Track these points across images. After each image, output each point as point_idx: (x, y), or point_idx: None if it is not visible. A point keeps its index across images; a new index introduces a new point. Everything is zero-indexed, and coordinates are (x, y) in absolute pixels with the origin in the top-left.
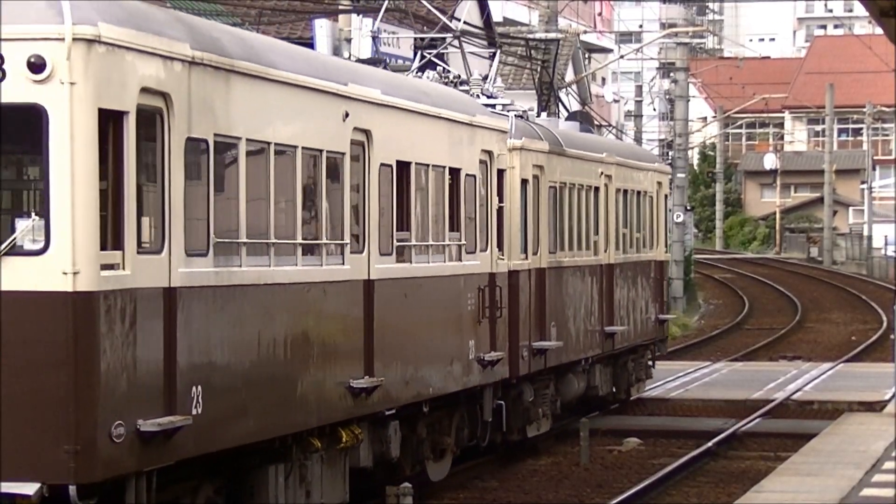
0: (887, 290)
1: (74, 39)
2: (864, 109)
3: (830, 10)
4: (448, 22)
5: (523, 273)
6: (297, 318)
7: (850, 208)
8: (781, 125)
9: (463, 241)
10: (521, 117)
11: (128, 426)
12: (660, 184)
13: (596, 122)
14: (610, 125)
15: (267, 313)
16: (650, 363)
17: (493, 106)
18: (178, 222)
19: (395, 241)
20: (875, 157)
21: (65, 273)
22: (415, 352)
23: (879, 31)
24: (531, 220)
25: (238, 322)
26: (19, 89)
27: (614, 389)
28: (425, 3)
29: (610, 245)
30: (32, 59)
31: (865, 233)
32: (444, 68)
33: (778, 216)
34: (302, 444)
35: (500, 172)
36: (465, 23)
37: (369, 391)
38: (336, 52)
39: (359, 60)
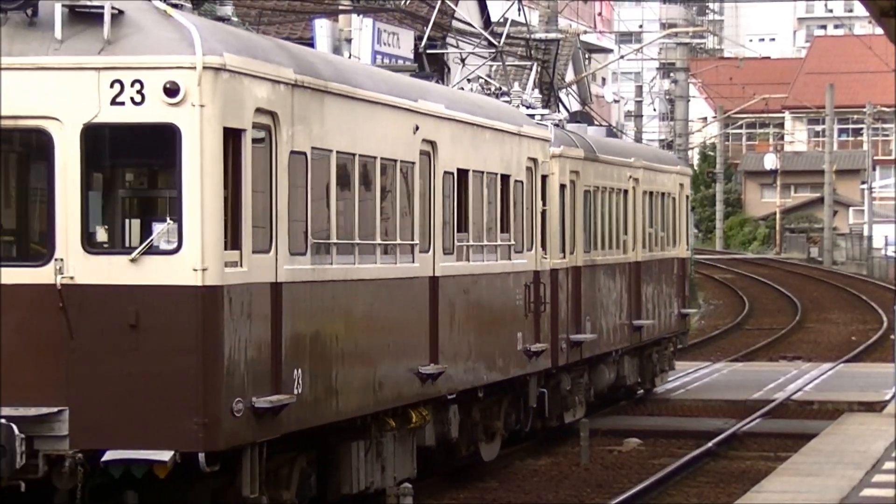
0: (887, 290)
1: (204, 68)
2: (864, 109)
3: (830, 10)
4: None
5: (562, 271)
6: (376, 310)
7: (851, 208)
8: (781, 125)
9: (512, 242)
10: (558, 126)
11: (245, 403)
12: (682, 185)
13: (596, 123)
14: (610, 125)
15: (352, 306)
16: (673, 355)
17: (533, 116)
18: (283, 226)
19: (455, 241)
20: (875, 157)
21: (195, 270)
22: (472, 342)
23: (879, 31)
24: (568, 222)
25: (329, 313)
26: (156, 111)
27: (640, 380)
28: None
29: (637, 244)
30: (168, 85)
31: (865, 233)
32: (485, 80)
33: (778, 216)
34: (379, 423)
35: (543, 178)
36: (464, 23)
37: (434, 377)
38: (336, 52)
39: (413, 75)
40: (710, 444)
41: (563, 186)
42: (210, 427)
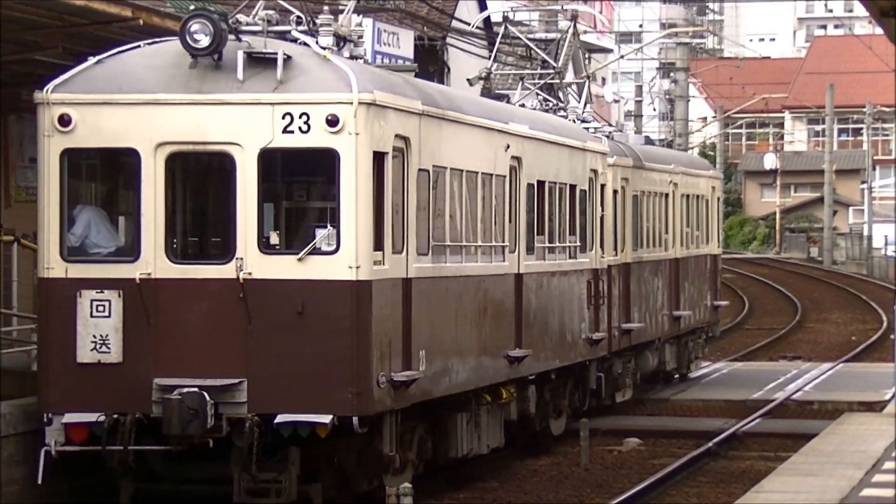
0: (887, 290)
1: (359, 103)
2: (864, 109)
3: (830, 10)
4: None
5: (615, 267)
6: (477, 301)
7: (850, 208)
8: (781, 125)
9: (578, 243)
10: (609, 137)
11: (386, 376)
12: (713, 188)
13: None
14: (610, 125)
15: (460, 298)
16: (705, 343)
17: (587, 128)
18: (412, 231)
19: (535, 243)
20: (875, 157)
21: (350, 267)
22: (548, 330)
23: (879, 31)
24: (619, 223)
25: (444, 303)
26: (320, 138)
27: (677, 366)
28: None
29: (676, 242)
30: (329, 117)
31: (865, 233)
32: (543, 97)
33: (778, 216)
34: (478, 398)
35: (601, 186)
36: (465, 23)
37: (519, 360)
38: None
39: (489, 96)
40: (710, 444)
41: (615, 192)
42: (362, 396)
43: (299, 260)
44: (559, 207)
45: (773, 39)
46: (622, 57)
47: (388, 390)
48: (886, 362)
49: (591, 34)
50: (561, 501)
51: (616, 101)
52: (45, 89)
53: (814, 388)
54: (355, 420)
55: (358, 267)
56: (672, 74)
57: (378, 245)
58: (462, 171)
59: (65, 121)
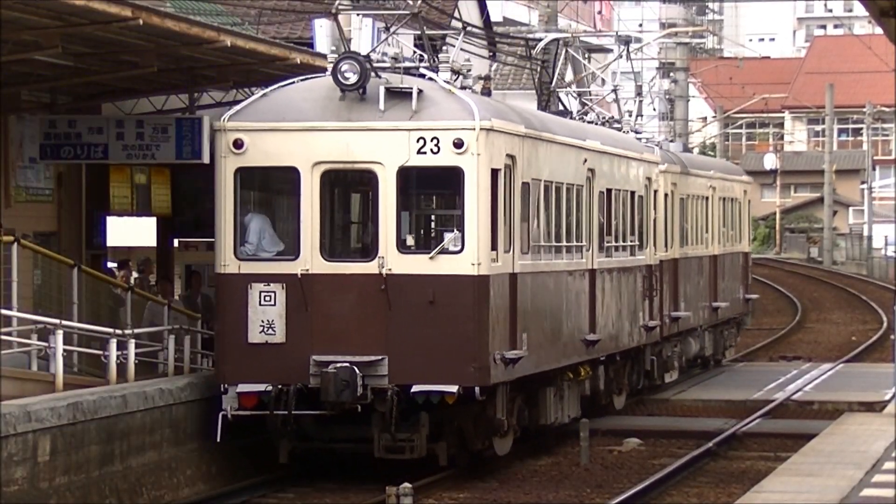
0: (887, 290)
1: (480, 129)
2: (864, 109)
3: (830, 10)
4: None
5: (665, 262)
6: (562, 292)
7: (850, 208)
8: (781, 125)
9: (636, 241)
10: (660, 146)
11: (499, 354)
12: (745, 192)
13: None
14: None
15: (550, 289)
16: (738, 333)
17: (640, 139)
18: (517, 233)
19: (605, 242)
20: (875, 157)
21: (472, 264)
22: (614, 318)
23: (879, 31)
24: (669, 224)
25: (538, 295)
26: (447, 158)
27: (713, 352)
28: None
29: (715, 240)
30: (456, 141)
31: (865, 233)
32: (599, 113)
33: (778, 216)
34: (562, 374)
35: (654, 191)
36: (465, 23)
37: (594, 343)
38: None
39: (554, 112)
40: (710, 444)
41: (665, 196)
42: (482, 370)
43: (431, 258)
44: (622, 211)
45: (773, 39)
46: (622, 56)
47: (501, 366)
48: (886, 362)
49: (591, 34)
50: (561, 501)
51: (616, 102)
52: (223, 118)
53: (814, 388)
54: (477, 390)
55: (479, 264)
56: (672, 74)
57: (493, 246)
58: (552, 182)
59: (238, 144)
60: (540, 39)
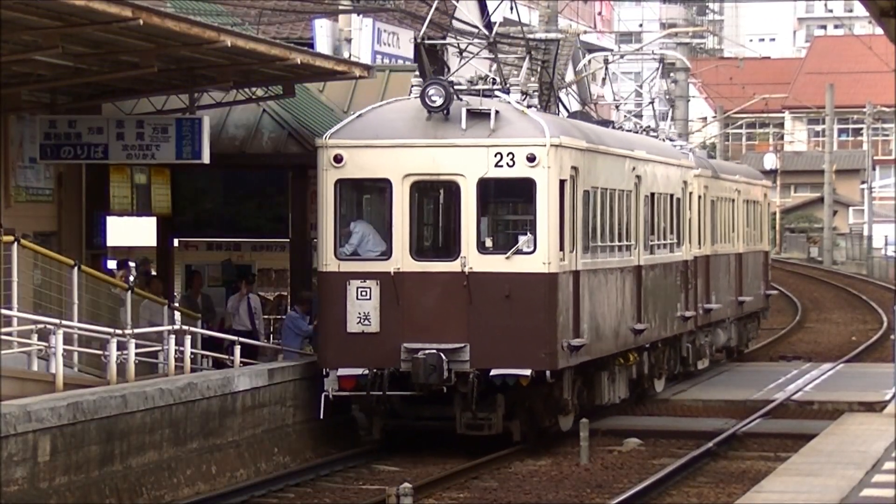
0: (887, 290)
1: (550, 145)
2: (864, 109)
3: (830, 10)
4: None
5: (699, 259)
6: (615, 287)
7: (850, 208)
8: (781, 125)
9: (675, 240)
10: (693, 152)
11: (566, 342)
12: (766, 195)
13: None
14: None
15: (606, 284)
16: (758, 325)
17: (674, 146)
18: (579, 235)
19: (648, 241)
20: (875, 157)
21: (543, 263)
22: (657, 309)
23: (879, 31)
24: (702, 223)
25: (596, 289)
26: (522, 170)
27: (737, 343)
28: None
29: (740, 240)
30: (529, 155)
31: (865, 233)
32: (636, 123)
33: (778, 216)
34: (614, 360)
35: (689, 194)
36: (465, 23)
37: (640, 332)
38: (336, 51)
39: (598, 122)
40: (710, 444)
41: (699, 198)
42: (552, 356)
43: (507, 258)
44: (663, 212)
45: (773, 39)
46: (622, 57)
47: (566, 353)
48: (886, 362)
49: (592, 34)
50: (561, 501)
51: (653, 112)
52: (324, 136)
53: (814, 388)
54: (547, 373)
55: (549, 263)
56: (672, 74)
57: (560, 246)
58: (607, 188)
59: (338, 159)
60: (540, 39)
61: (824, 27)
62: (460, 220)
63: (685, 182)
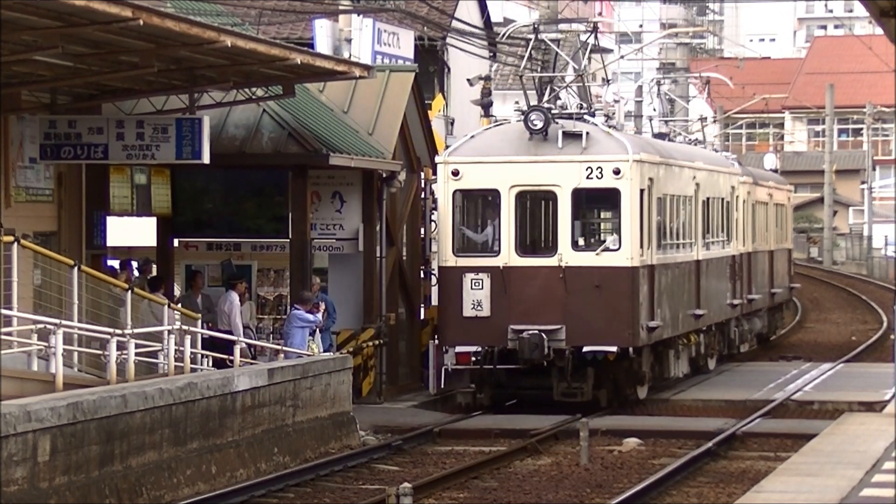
0: (887, 290)
1: (633, 161)
2: (864, 109)
3: (830, 11)
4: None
5: (742, 255)
6: (680, 278)
7: (850, 208)
8: (781, 125)
9: (725, 238)
10: (739, 162)
11: (644, 323)
12: (789, 198)
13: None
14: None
15: (674, 276)
16: (782, 316)
17: (724, 155)
18: (654, 234)
19: (706, 239)
20: (875, 157)
21: (627, 259)
22: (712, 297)
23: (879, 31)
24: (746, 224)
25: (667, 279)
26: (609, 182)
27: (768, 330)
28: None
29: (771, 238)
30: (615, 169)
31: (865, 233)
32: (685, 136)
33: None
34: (679, 340)
35: (736, 198)
36: (465, 23)
37: (699, 317)
38: (336, 51)
39: (658, 136)
40: (710, 444)
41: (742, 201)
42: (634, 335)
43: (597, 254)
44: (716, 214)
45: (773, 39)
46: (622, 57)
47: (645, 333)
48: (886, 362)
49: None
50: (561, 501)
51: (616, 102)
52: (444, 154)
53: (814, 388)
54: (630, 350)
55: (632, 258)
56: (672, 74)
57: (640, 244)
58: (674, 195)
59: (455, 173)
60: (540, 40)
61: (824, 27)
62: (557, 222)
63: (733, 187)
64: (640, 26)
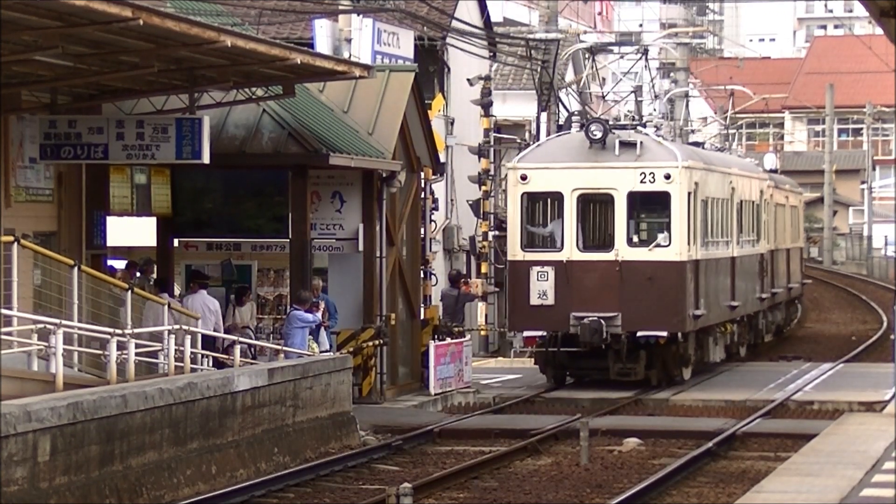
0: (887, 290)
1: (682, 167)
2: (864, 109)
3: (830, 11)
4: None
5: (767, 252)
6: (721, 273)
7: (850, 208)
8: (781, 125)
9: (755, 237)
10: (761, 167)
11: (691, 312)
12: (801, 201)
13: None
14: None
15: (714, 270)
16: (796, 309)
17: (753, 163)
18: (699, 233)
19: (740, 238)
20: (875, 157)
21: (676, 254)
22: (745, 290)
23: (879, 31)
24: (770, 224)
25: (709, 273)
26: (660, 186)
27: (785, 322)
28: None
29: (787, 237)
30: (666, 174)
31: (865, 233)
32: (713, 145)
33: None
34: (717, 328)
35: (764, 201)
36: (465, 23)
37: (734, 307)
38: (336, 51)
39: (693, 144)
40: (710, 444)
41: (767, 203)
42: (682, 321)
43: (649, 250)
44: (748, 215)
45: (773, 39)
46: (622, 57)
47: (691, 320)
48: (886, 362)
49: (592, 34)
50: (561, 501)
51: (616, 102)
52: (513, 161)
53: (814, 388)
54: (679, 335)
55: (680, 253)
56: (672, 74)
57: (687, 242)
58: (714, 198)
59: (523, 177)
60: (540, 40)
61: (824, 27)
62: (614, 221)
63: (761, 191)
64: (640, 26)
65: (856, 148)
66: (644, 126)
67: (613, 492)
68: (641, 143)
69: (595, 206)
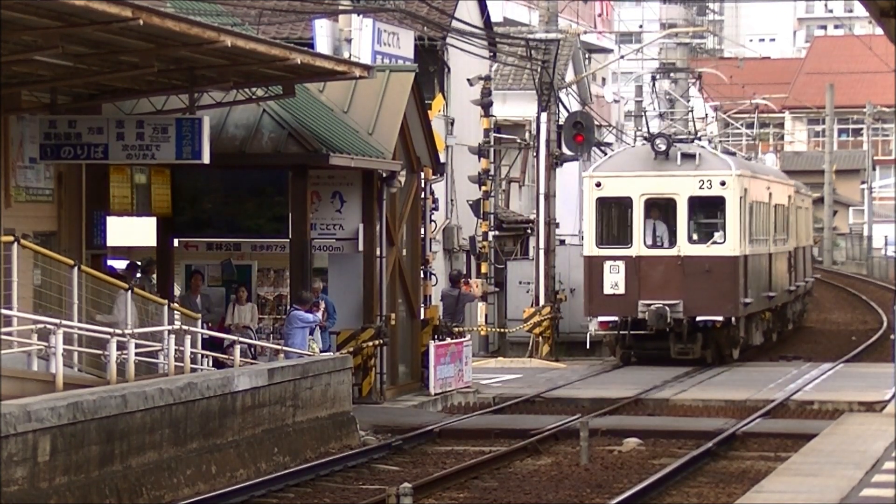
0: (887, 290)
1: (735, 175)
2: (864, 109)
3: (830, 11)
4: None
5: (793, 250)
6: (762, 267)
7: (850, 208)
8: (781, 125)
9: (785, 236)
10: (785, 174)
11: (742, 300)
12: (812, 203)
13: (596, 123)
14: (610, 125)
15: (758, 264)
16: (807, 304)
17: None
18: (746, 232)
19: (774, 237)
20: (875, 157)
21: (730, 250)
22: (778, 283)
23: (879, 31)
24: (794, 223)
25: (755, 267)
26: (716, 191)
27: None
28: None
29: (802, 236)
30: (721, 181)
31: (865, 233)
32: (739, 153)
33: None
34: (759, 315)
35: (791, 204)
36: (465, 23)
37: (771, 297)
38: (336, 51)
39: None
40: (709, 444)
41: (793, 206)
42: (735, 307)
43: (707, 247)
44: (780, 217)
45: (773, 39)
46: (622, 57)
47: (741, 306)
48: (886, 362)
49: (592, 34)
50: (561, 501)
51: (616, 102)
52: (589, 170)
53: (814, 388)
54: (733, 319)
55: (734, 249)
56: (672, 74)
57: (739, 239)
58: (758, 202)
59: (598, 184)
60: (540, 40)
61: (824, 27)
62: (676, 222)
63: (789, 196)
64: (640, 26)
65: (856, 148)
66: (699, 139)
67: (613, 492)
68: (700, 154)
69: (660, 210)
